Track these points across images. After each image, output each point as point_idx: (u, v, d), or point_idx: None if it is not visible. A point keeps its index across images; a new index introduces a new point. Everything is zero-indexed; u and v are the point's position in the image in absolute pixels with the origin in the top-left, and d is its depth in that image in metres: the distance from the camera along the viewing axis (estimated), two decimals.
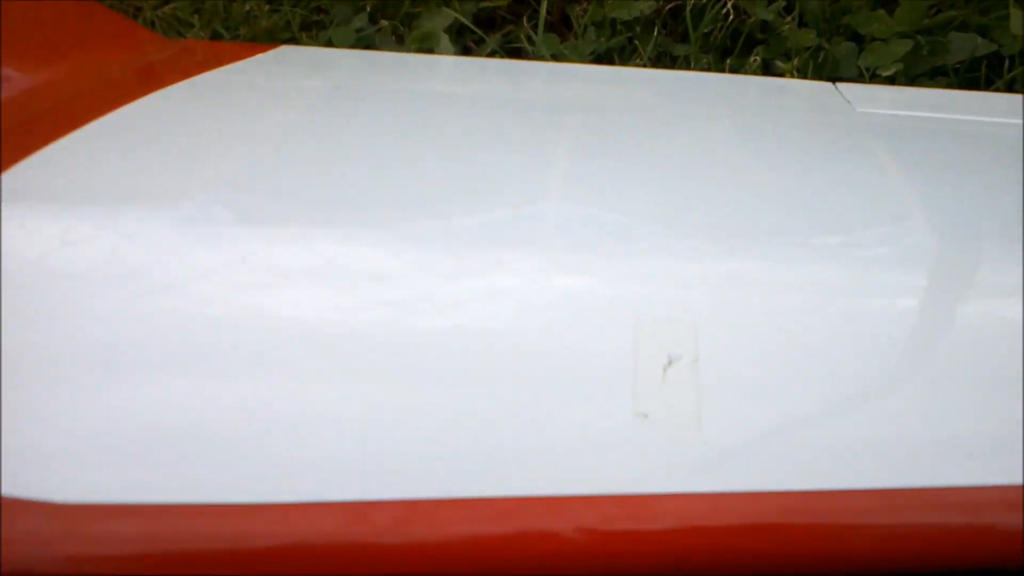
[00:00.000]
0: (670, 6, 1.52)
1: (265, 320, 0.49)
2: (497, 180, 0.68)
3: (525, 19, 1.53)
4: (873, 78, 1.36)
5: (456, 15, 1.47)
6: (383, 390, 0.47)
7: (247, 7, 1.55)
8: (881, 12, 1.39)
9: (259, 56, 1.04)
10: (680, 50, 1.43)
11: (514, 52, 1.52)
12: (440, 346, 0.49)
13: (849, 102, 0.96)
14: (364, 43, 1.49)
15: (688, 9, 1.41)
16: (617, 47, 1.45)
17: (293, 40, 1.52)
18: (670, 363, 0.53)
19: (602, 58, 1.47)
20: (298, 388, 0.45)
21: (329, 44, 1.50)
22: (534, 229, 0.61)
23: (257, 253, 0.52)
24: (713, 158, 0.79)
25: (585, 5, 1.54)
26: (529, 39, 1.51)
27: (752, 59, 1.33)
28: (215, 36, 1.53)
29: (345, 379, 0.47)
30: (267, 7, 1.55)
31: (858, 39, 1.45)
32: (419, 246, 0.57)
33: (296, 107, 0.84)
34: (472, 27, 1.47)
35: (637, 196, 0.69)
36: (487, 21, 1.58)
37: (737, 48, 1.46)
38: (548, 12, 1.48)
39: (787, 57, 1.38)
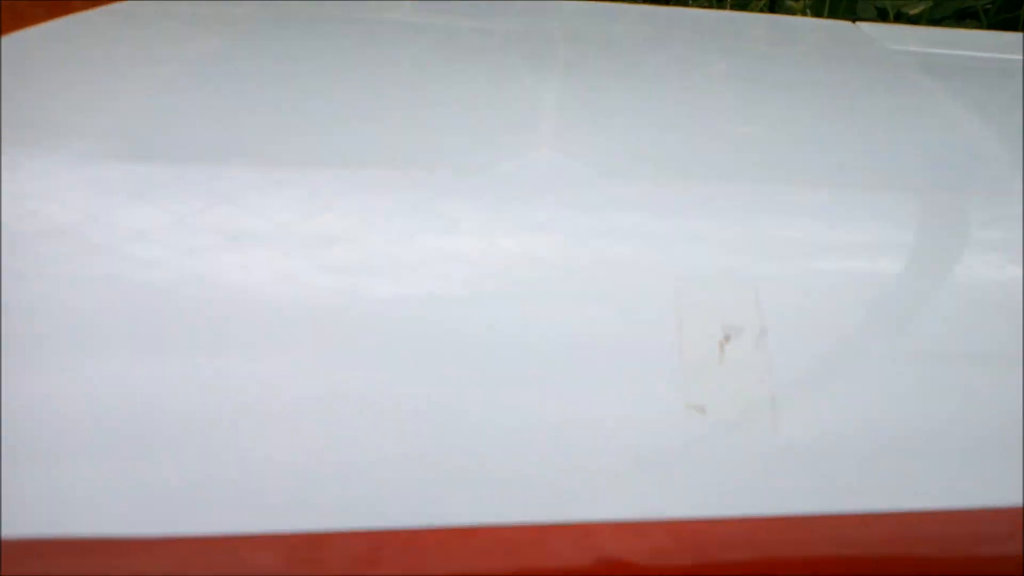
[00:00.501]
0: None
1: (204, 288, 0.43)
2: (485, 126, 0.62)
3: None
4: (895, 19, 1.25)
5: None
6: (352, 382, 0.40)
7: None
8: None
9: None
10: None
11: None
12: (423, 324, 0.42)
13: (876, 40, 0.89)
14: None
15: None
16: None
17: None
18: (728, 338, 0.43)
19: None
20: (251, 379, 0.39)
21: None
22: (534, 180, 0.54)
23: (193, 214, 0.47)
24: (746, 102, 0.73)
25: None
26: None
27: None
28: None
29: (305, 369, 0.40)
30: None
31: None
32: (398, 199, 0.50)
33: (215, 34, 0.76)
34: None
35: (647, 142, 0.62)
36: None
37: None
38: None
39: None
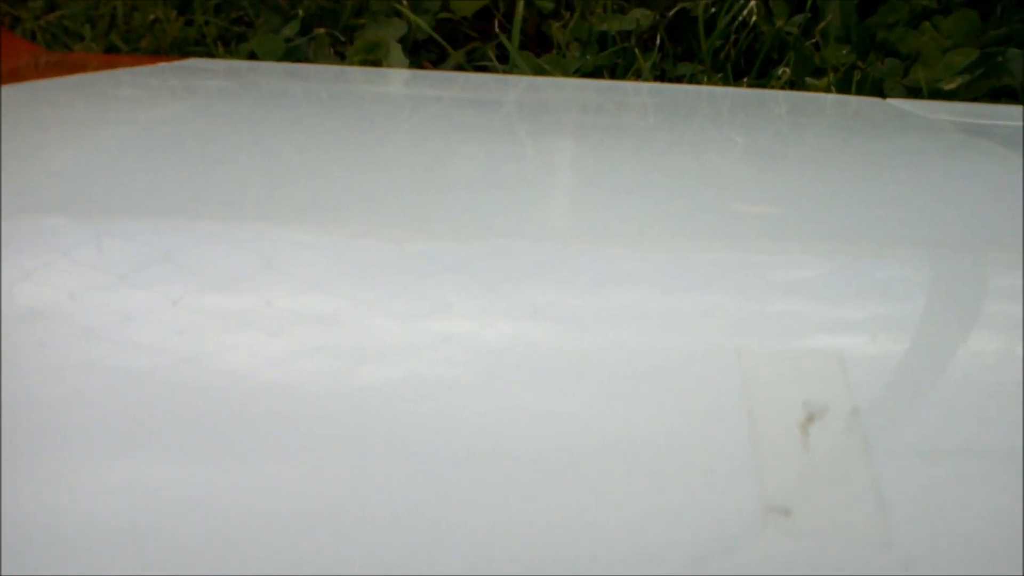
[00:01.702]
0: (667, 19, 1.36)
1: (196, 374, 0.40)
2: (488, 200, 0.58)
3: (496, 32, 1.35)
4: (925, 97, 1.21)
5: (411, 22, 1.28)
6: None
7: (152, 16, 1.36)
8: (926, 25, 1.25)
9: (154, 66, 0.93)
10: (685, 69, 1.26)
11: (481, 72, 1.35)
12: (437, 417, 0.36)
13: (910, 113, 0.87)
14: (295, 56, 1.30)
15: (700, 18, 1.24)
16: (608, 65, 1.28)
17: (208, 55, 1.33)
18: (810, 419, 0.34)
19: (588, 77, 1.30)
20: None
21: (252, 58, 1.32)
22: (550, 257, 0.50)
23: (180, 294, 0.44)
24: (771, 172, 0.70)
25: (566, 19, 1.37)
26: (500, 57, 1.33)
27: (779, 73, 1.17)
28: (111, 50, 1.34)
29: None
30: (176, 16, 1.36)
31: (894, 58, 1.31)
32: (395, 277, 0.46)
33: (194, 107, 0.72)
34: (434, 35, 1.28)
35: (666, 213, 0.58)
36: (446, 40, 1.40)
37: (756, 67, 1.29)
38: (523, 24, 1.31)
39: (817, 74, 1.22)
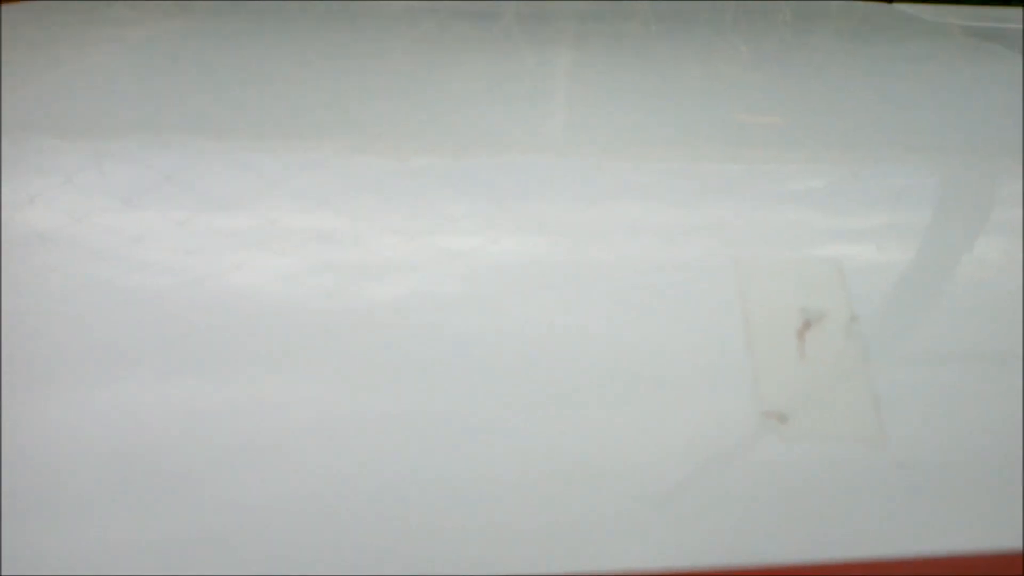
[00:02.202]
0: None
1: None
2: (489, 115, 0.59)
3: None
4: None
5: None
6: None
7: None
8: None
9: None
10: None
11: None
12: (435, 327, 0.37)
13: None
14: None
15: None
16: None
17: None
18: (807, 325, 0.35)
19: None
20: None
21: None
22: (550, 171, 0.51)
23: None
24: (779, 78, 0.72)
25: None
26: None
27: None
28: None
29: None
30: None
31: None
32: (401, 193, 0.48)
33: (189, 25, 0.78)
34: None
35: (669, 125, 0.59)
36: None
37: None
38: None
39: None
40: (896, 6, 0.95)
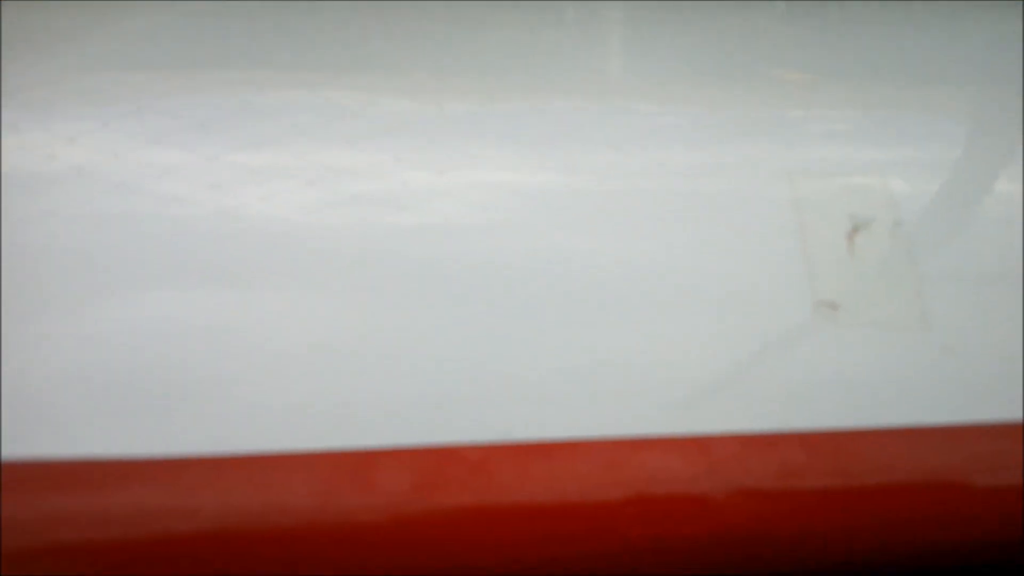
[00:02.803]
0: None
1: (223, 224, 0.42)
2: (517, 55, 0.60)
3: None
4: None
5: None
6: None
7: None
8: None
9: None
10: None
11: None
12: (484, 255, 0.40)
13: None
14: None
15: None
16: None
17: None
18: (856, 229, 0.39)
19: None
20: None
21: None
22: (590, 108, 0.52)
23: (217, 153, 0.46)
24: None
25: None
26: None
27: None
28: None
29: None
30: None
31: None
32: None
33: None
34: None
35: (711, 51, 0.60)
36: None
37: None
38: None
39: None
40: None
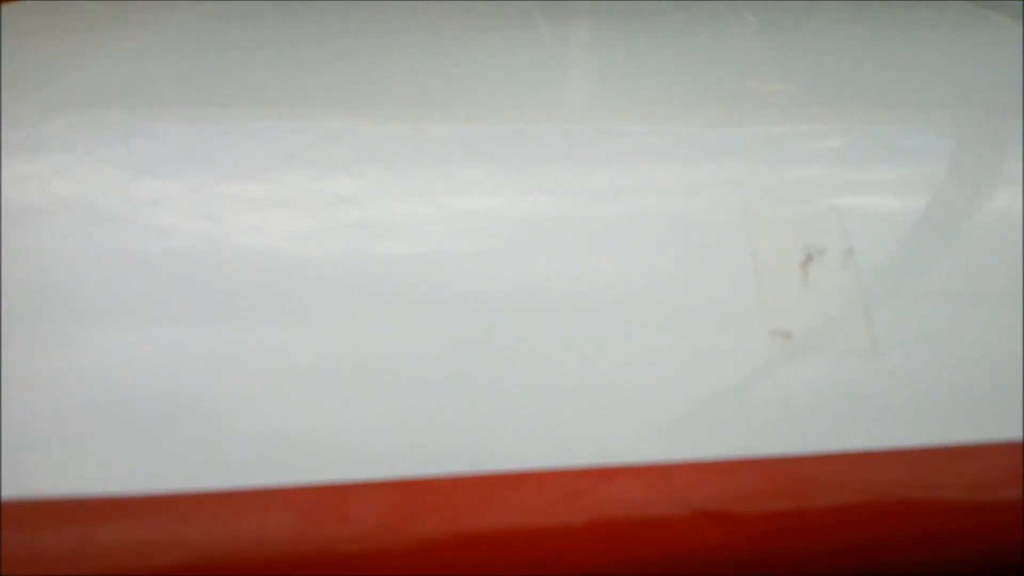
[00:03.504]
0: None
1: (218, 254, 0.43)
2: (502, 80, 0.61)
3: None
4: None
5: None
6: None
7: None
8: None
9: None
10: None
11: None
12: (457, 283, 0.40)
13: None
14: None
15: None
16: None
17: None
18: (809, 258, 0.41)
19: None
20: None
21: None
22: (569, 132, 0.53)
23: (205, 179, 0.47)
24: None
25: None
26: None
27: None
28: None
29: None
30: None
31: None
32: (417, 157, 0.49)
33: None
34: None
35: (679, 85, 0.62)
36: None
37: None
38: None
39: None
40: None
